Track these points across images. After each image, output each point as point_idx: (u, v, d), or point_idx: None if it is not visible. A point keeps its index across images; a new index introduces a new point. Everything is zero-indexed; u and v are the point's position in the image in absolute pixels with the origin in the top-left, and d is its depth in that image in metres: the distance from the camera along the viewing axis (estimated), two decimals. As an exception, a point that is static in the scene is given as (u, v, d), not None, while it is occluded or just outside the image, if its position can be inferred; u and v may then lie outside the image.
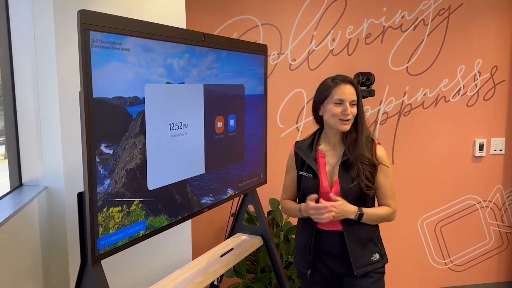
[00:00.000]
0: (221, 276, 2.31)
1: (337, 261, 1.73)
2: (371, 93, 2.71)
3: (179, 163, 1.55)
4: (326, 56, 2.83)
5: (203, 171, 1.69)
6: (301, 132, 2.85)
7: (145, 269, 2.05)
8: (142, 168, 1.37)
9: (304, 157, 1.75)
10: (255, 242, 2.16)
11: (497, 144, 3.14)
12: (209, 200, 1.75)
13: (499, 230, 3.25)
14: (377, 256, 1.73)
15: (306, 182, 1.74)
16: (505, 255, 3.27)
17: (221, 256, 1.94)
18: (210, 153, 1.73)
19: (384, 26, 2.88)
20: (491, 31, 3.02)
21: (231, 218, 2.58)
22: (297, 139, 2.84)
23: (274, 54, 2.75)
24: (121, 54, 1.29)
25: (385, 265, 1.77)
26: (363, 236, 1.71)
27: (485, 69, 3.05)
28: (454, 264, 3.22)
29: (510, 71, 3.09)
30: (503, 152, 3.15)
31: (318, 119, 1.78)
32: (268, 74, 2.71)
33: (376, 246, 1.75)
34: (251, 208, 2.27)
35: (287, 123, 2.84)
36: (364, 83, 2.66)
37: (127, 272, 1.96)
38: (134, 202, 1.35)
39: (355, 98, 1.68)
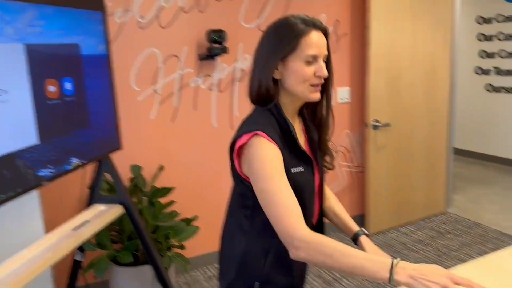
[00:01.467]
0: (83, 250, 2.21)
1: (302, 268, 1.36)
2: (225, 50, 2.73)
3: (1, 134, 1.38)
4: (177, 13, 2.74)
5: (36, 141, 1.54)
6: (161, 95, 2.77)
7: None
8: None
9: (298, 145, 1.20)
10: (114, 211, 2.08)
11: (343, 93, 3.44)
12: (49, 172, 1.61)
13: (350, 171, 3.64)
14: None
15: (300, 180, 1.18)
16: (356, 191, 3.69)
17: (74, 229, 1.83)
18: (44, 121, 1.57)
19: (233, -18, 2.88)
20: (332, -12, 3.23)
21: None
22: (158, 102, 2.76)
23: (119, 11, 2.57)
24: None
25: None
26: None
27: (329, 23, 3.27)
28: (314, 206, 3.53)
29: (351, 25, 3.37)
30: (349, 100, 3.48)
31: (270, 86, 1.16)
32: (114, 33, 2.55)
33: None
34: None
35: (143, 85, 2.72)
36: (216, 41, 2.66)
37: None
38: None
39: (327, 51, 1.18)
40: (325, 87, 1.21)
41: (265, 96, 1.18)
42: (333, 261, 0.98)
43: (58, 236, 1.77)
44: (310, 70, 1.14)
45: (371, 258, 0.99)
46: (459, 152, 5.94)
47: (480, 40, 5.42)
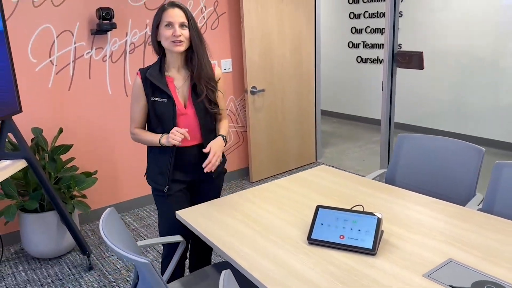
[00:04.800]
0: (-8, 200, 2.56)
1: (196, 169, 1.94)
2: (114, 26, 3.14)
3: None
4: (69, -8, 3.08)
5: None
6: (56, 65, 3.11)
7: None
8: None
9: (157, 82, 1.86)
10: (18, 164, 2.46)
11: (226, 64, 4.02)
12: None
13: (236, 130, 4.27)
14: (221, 156, 1.98)
15: (160, 107, 1.87)
16: (242, 148, 4.34)
17: (-17, 177, 2.20)
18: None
19: (119, -35, 3.26)
20: (211, -28, 3.74)
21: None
22: (54, 72, 3.11)
23: (13, -9, 2.86)
24: None
25: None
26: None
27: (209, 3, 3.79)
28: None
29: (228, 5, 3.92)
30: (231, 70, 4.07)
31: (156, 45, 1.89)
32: (10, 11, 2.84)
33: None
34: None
35: (39, 57, 3.05)
36: (105, 17, 3.06)
37: None
38: None
39: (184, 20, 1.82)
40: (193, 44, 1.87)
41: (158, 52, 1.94)
42: (142, 141, 1.94)
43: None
44: (169, 31, 1.82)
45: (153, 135, 1.90)
46: (334, 114, 6.91)
47: (351, 18, 6.31)
